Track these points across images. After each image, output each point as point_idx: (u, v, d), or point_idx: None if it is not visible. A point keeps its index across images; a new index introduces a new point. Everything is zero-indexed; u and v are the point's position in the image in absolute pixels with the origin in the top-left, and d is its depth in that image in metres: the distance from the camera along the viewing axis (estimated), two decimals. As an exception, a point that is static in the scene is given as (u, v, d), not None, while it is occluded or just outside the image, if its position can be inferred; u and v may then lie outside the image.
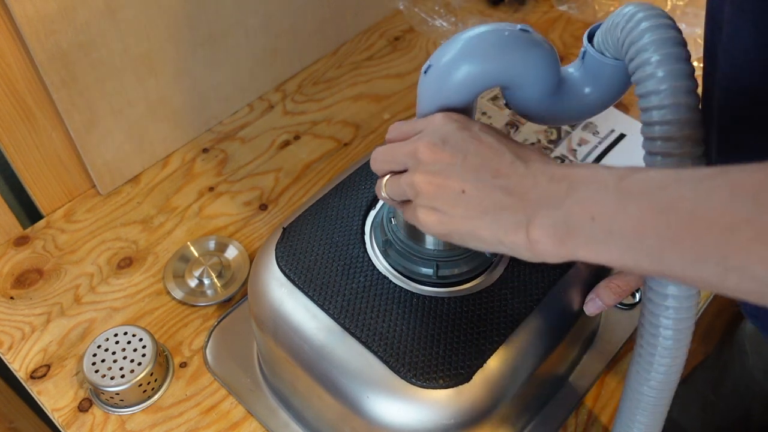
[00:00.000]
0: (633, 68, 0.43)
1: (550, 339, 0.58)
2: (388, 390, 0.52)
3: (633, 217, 0.36)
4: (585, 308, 0.58)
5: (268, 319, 0.58)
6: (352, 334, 0.54)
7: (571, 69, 0.51)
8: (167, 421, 0.67)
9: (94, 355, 0.67)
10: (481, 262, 0.57)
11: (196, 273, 0.77)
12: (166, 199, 0.86)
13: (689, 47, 0.43)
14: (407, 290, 0.56)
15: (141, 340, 0.67)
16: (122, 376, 0.65)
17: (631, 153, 0.89)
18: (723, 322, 1.25)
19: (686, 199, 0.34)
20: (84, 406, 0.68)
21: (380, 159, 0.50)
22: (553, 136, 0.91)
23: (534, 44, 0.48)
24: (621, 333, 0.73)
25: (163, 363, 0.69)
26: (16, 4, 0.66)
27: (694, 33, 1.01)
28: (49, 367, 0.71)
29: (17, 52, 0.70)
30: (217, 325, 0.74)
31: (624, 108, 0.95)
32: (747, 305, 0.57)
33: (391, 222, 0.58)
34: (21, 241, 0.81)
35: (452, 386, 0.52)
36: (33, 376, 0.70)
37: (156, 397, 0.68)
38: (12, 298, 0.76)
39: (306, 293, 0.57)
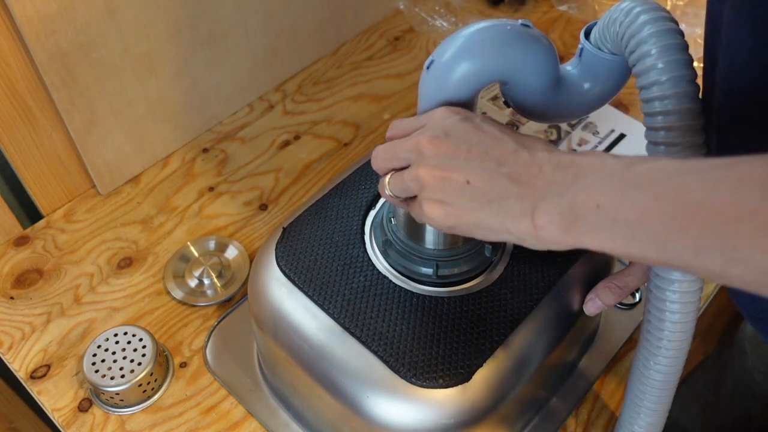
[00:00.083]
0: (633, 60, 0.44)
1: (550, 339, 0.58)
2: (388, 390, 0.52)
3: (638, 205, 0.36)
4: (585, 308, 0.58)
5: (268, 319, 0.58)
6: (352, 334, 0.54)
7: (568, 67, 0.51)
8: (167, 421, 0.67)
9: (94, 355, 0.67)
10: (481, 261, 0.57)
11: (196, 273, 0.77)
12: (166, 199, 0.86)
13: (689, 47, 0.43)
14: (407, 290, 0.56)
15: (141, 340, 0.67)
16: (122, 376, 0.65)
17: (631, 153, 0.89)
18: (723, 323, 1.25)
19: (693, 189, 0.34)
20: (84, 406, 0.68)
21: (381, 157, 0.50)
22: (553, 136, 0.91)
23: (534, 39, 0.48)
24: (621, 333, 0.73)
25: (163, 363, 0.69)
26: (16, 4, 0.66)
27: (694, 33, 1.01)
28: (49, 367, 0.71)
29: (17, 52, 0.70)
30: (217, 325, 0.74)
31: (624, 108, 0.95)
32: (747, 307, 0.57)
33: (390, 222, 0.58)
34: (21, 241, 0.81)
35: (452, 386, 0.52)
36: (33, 376, 0.70)
37: (156, 397, 0.68)
38: (12, 298, 0.76)
39: (306, 293, 0.57)
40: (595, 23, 0.49)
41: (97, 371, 0.66)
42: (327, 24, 1.00)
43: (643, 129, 0.45)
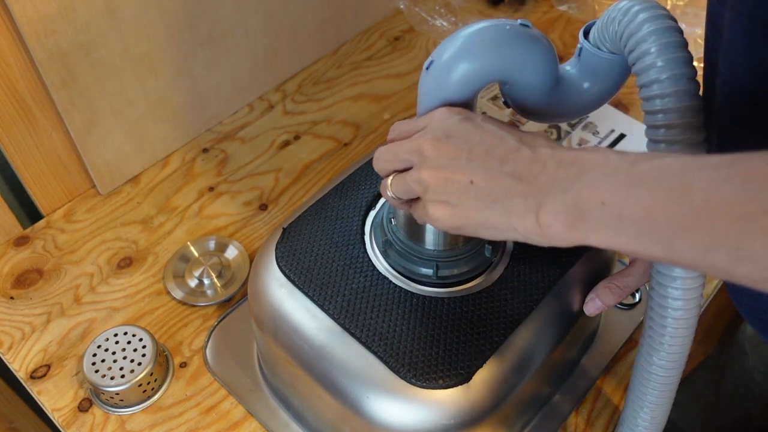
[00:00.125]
0: (633, 59, 0.44)
1: (550, 339, 0.58)
2: (388, 390, 0.52)
3: (644, 202, 0.36)
4: (585, 308, 0.59)
5: (268, 319, 0.58)
6: (352, 335, 0.54)
7: (568, 66, 0.51)
8: (167, 421, 0.67)
9: (94, 355, 0.67)
10: (481, 262, 0.57)
11: (196, 273, 0.77)
12: (166, 199, 0.86)
13: (689, 48, 0.43)
14: (407, 290, 0.56)
15: (141, 340, 0.67)
16: (122, 376, 0.65)
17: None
18: (723, 323, 1.25)
19: (699, 187, 0.34)
20: (84, 406, 0.68)
21: (383, 158, 0.50)
22: (553, 136, 0.91)
23: (534, 39, 0.48)
24: (621, 333, 0.73)
25: (163, 363, 0.69)
26: (16, 4, 0.66)
27: (694, 33, 1.01)
28: (49, 367, 0.71)
29: (17, 52, 0.70)
30: (217, 325, 0.74)
31: (624, 108, 0.95)
32: (747, 308, 0.57)
33: (391, 222, 0.58)
34: (21, 241, 0.81)
35: (452, 386, 0.52)
36: (33, 376, 0.70)
37: (156, 397, 0.68)
38: (12, 298, 0.76)
39: (306, 293, 0.57)
40: (594, 23, 0.49)
41: (97, 371, 0.66)
42: (327, 24, 1.00)
43: (643, 129, 0.45)
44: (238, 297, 0.76)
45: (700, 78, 0.44)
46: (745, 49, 0.43)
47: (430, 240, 0.55)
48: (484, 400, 0.53)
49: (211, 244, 0.81)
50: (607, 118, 0.93)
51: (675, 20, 0.43)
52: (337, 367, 0.54)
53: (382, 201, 0.62)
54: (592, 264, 0.60)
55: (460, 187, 0.44)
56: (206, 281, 0.77)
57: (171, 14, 0.79)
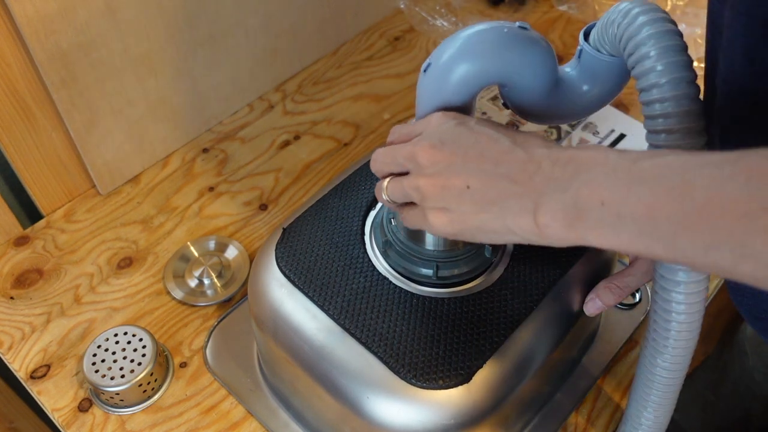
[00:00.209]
0: (632, 63, 0.44)
1: (550, 339, 0.58)
2: (388, 390, 0.52)
3: (645, 201, 0.35)
4: (585, 308, 0.59)
5: (268, 319, 0.58)
6: (352, 335, 0.54)
7: (567, 68, 0.51)
8: (167, 421, 0.67)
9: (94, 355, 0.67)
10: (481, 262, 0.57)
11: (196, 273, 0.77)
12: (166, 199, 0.86)
13: (689, 47, 0.43)
14: (407, 291, 0.56)
15: (141, 340, 0.67)
16: (122, 376, 0.65)
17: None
18: (723, 323, 1.25)
19: (701, 185, 0.34)
20: (84, 406, 0.68)
21: (380, 160, 0.50)
22: (553, 136, 0.91)
23: (532, 41, 0.48)
24: (621, 333, 0.73)
25: (163, 363, 0.69)
26: (16, 4, 0.66)
27: (694, 33, 1.01)
28: (49, 367, 0.71)
29: (17, 52, 0.70)
30: (217, 325, 0.74)
31: (624, 108, 0.95)
32: (747, 308, 0.57)
33: (390, 223, 0.58)
34: (21, 241, 0.81)
35: (452, 387, 0.52)
36: (33, 376, 0.70)
37: (156, 397, 0.68)
38: (12, 298, 0.76)
39: (306, 294, 0.57)
40: (595, 24, 0.49)
41: (97, 371, 0.66)
42: (327, 24, 1.00)
43: (643, 129, 0.45)
44: (238, 297, 0.76)
45: (701, 78, 0.44)
46: (745, 48, 0.43)
47: (430, 240, 0.55)
48: (484, 400, 0.53)
49: (211, 244, 0.81)
50: (607, 118, 0.93)
51: (675, 24, 0.43)
52: (337, 368, 0.54)
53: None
54: (592, 264, 0.60)
55: (457, 192, 0.44)
56: (206, 281, 0.77)
57: (171, 14, 0.79)
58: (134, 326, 0.69)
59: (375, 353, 0.53)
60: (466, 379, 0.52)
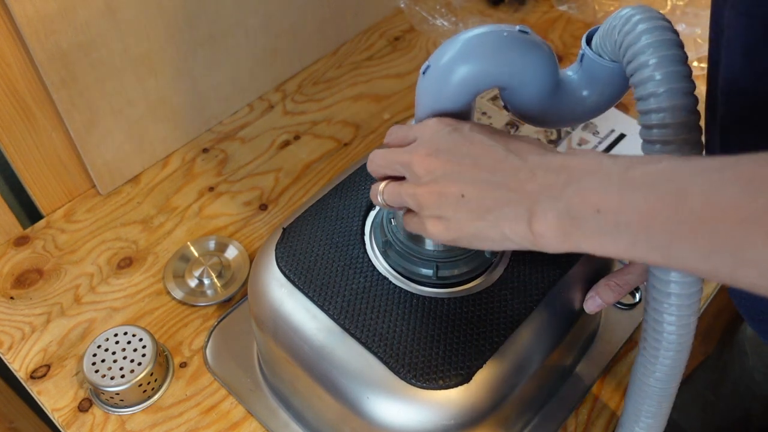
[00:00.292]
0: (631, 71, 0.43)
1: (549, 339, 0.58)
2: (388, 391, 0.52)
3: (641, 208, 0.35)
4: (585, 306, 0.59)
5: (268, 319, 0.58)
6: (352, 335, 0.54)
7: (569, 72, 0.51)
8: (167, 421, 0.67)
9: (94, 355, 0.67)
10: (481, 262, 0.57)
11: (196, 273, 0.77)
12: (166, 199, 0.86)
13: (689, 47, 0.43)
14: (407, 291, 0.56)
15: (141, 340, 0.67)
16: (122, 376, 0.65)
17: (631, 153, 0.89)
18: (723, 323, 1.25)
19: (697, 191, 0.33)
20: (84, 406, 0.68)
21: (377, 162, 0.50)
22: (553, 136, 0.91)
23: (532, 45, 0.48)
24: (621, 333, 0.73)
25: (163, 363, 0.69)
26: (16, 4, 0.66)
27: (694, 33, 1.01)
28: (49, 367, 0.71)
29: (17, 52, 0.70)
30: (217, 325, 0.74)
31: (624, 108, 0.95)
32: (747, 309, 0.57)
33: (390, 223, 0.58)
34: (21, 241, 0.81)
35: (452, 387, 0.52)
36: (33, 376, 0.70)
37: (156, 397, 0.68)
38: (12, 298, 0.76)
39: (306, 294, 0.57)
40: (597, 29, 0.48)
41: (97, 371, 0.66)
42: (327, 24, 1.00)
43: (642, 133, 0.45)
44: (238, 297, 0.76)
45: (702, 79, 0.44)
46: (745, 48, 0.43)
47: (430, 241, 0.55)
48: (484, 400, 0.53)
49: (211, 244, 0.81)
50: (608, 119, 0.93)
51: (676, 32, 0.43)
52: (337, 368, 0.54)
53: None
54: (592, 264, 0.60)
55: (452, 200, 0.44)
56: (206, 281, 0.77)
57: (171, 14, 0.79)
58: (134, 326, 0.69)
59: (375, 353, 0.53)
60: (466, 379, 0.52)
